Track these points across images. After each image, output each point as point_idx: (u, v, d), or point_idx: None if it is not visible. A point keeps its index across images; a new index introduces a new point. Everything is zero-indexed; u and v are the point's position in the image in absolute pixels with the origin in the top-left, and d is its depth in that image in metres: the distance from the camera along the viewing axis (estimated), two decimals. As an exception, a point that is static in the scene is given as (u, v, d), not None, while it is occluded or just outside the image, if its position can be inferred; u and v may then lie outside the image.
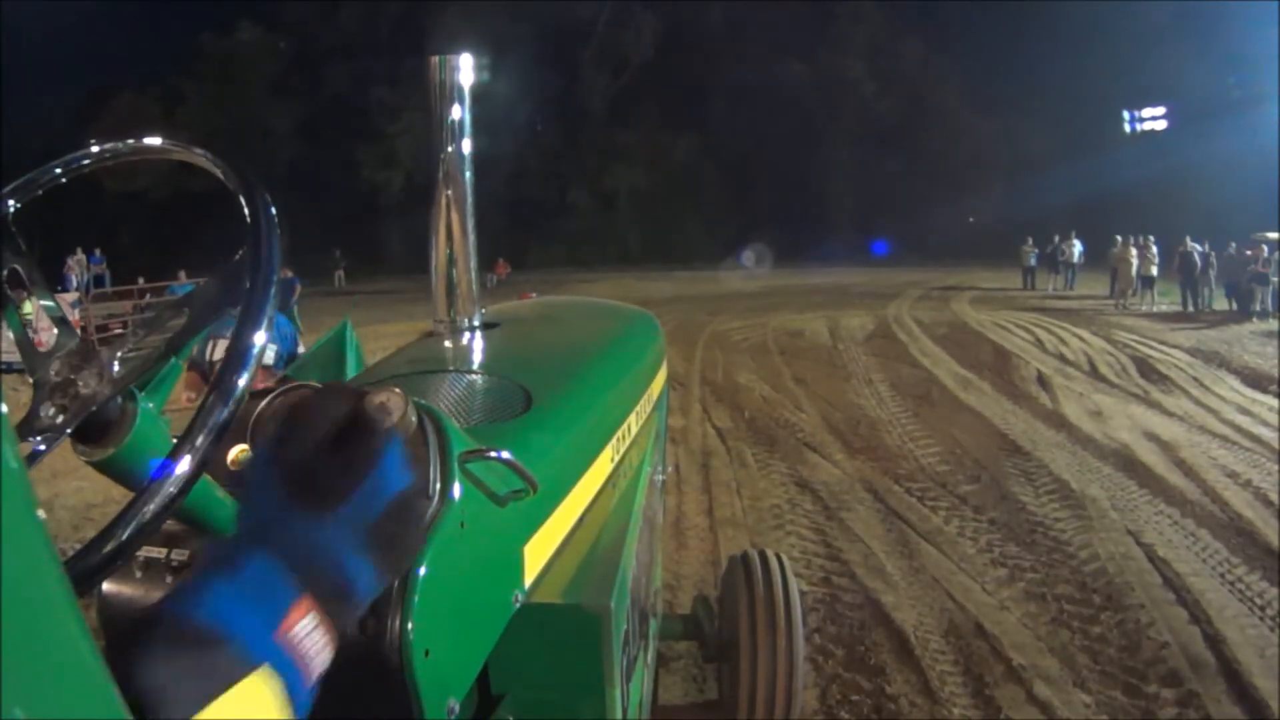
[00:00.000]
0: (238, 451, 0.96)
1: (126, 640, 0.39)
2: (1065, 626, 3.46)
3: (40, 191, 0.79)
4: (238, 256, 0.70)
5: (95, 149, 0.80)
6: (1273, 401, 7.50)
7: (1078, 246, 20.55)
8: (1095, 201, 27.34)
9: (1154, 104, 32.77)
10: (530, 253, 33.31)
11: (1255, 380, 8.51)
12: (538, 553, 1.12)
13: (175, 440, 0.61)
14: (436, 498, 0.87)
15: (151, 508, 0.58)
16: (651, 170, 37.57)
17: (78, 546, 0.57)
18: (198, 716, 0.36)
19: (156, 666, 0.37)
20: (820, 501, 4.99)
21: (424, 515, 0.56)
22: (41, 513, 0.33)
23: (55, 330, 0.72)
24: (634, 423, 1.83)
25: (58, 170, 0.79)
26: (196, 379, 2.94)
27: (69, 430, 0.64)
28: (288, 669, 0.41)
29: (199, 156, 0.75)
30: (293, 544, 0.45)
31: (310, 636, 0.42)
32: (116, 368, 0.67)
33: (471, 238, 1.73)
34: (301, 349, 3.45)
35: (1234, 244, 16.13)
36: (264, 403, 1.00)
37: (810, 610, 3.45)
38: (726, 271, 26.36)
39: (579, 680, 1.09)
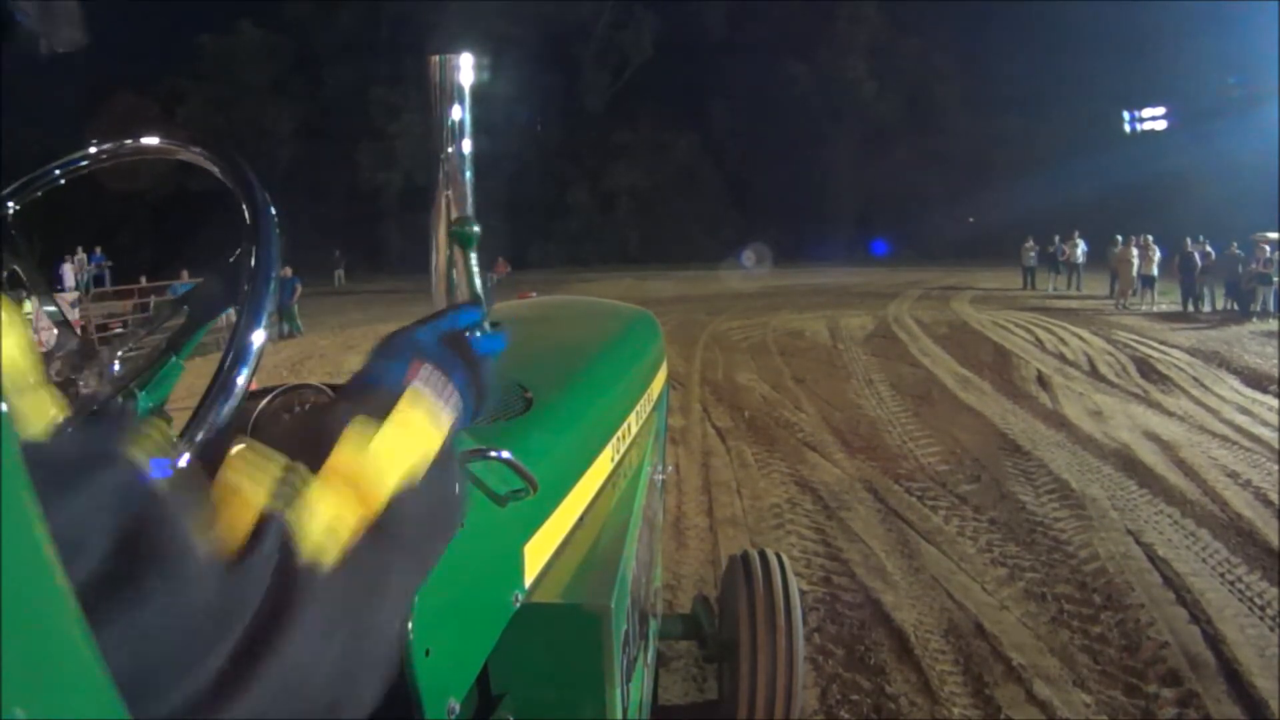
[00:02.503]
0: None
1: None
2: (1065, 626, 3.46)
3: (39, 193, 0.78)
4: (236, 255, 0.70)
5: (93, 149, 0.79)
6: (1273, 401, 7.49)
7: (1080, 246, 20.47)
8: (1095, 201, 27.32)
9: (1154, 104, 32.75)
10: (530, 252, 33.31)
11: (1255, 380, 8.50)
12: (538, 553, 1.12)
13: (175, 440, 0.61)
14: None
15: None
16: (651, 170, 37.58)
17: None
18: (382, 426, 0.54)
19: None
20: (820, 501, 4.99)
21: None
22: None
23: (55, 331, 0.72)
24: (634, 422, 1.83)
25: (56, 171, 0.79)
26: None
27: (70, 430, 0.64)
28: (425, 393, 0.61)
29: (196, 155, 0.75)
30: (402, 350, 0.65)
31: (430, 382, 0.61)
32: (117, 367, 0.67)
33: None
34: None
35: (1235, 244, 16.12)
36: (264, 402, 1.00)
37: (810, 610, 3.45)
38: (726, 271, 26.36)
39: (579, 680, 1.09)
